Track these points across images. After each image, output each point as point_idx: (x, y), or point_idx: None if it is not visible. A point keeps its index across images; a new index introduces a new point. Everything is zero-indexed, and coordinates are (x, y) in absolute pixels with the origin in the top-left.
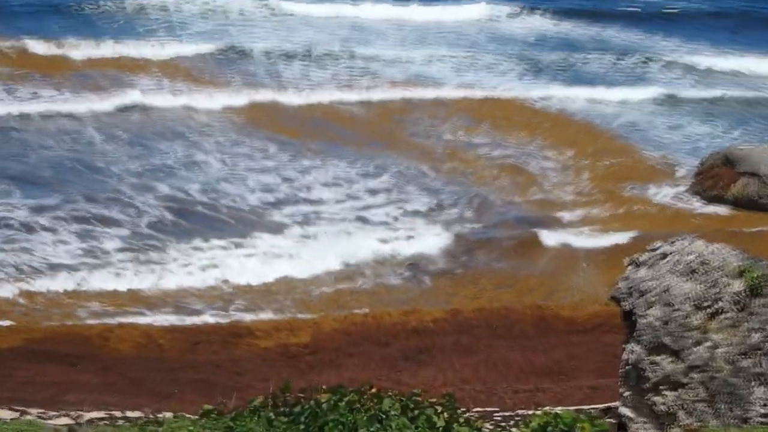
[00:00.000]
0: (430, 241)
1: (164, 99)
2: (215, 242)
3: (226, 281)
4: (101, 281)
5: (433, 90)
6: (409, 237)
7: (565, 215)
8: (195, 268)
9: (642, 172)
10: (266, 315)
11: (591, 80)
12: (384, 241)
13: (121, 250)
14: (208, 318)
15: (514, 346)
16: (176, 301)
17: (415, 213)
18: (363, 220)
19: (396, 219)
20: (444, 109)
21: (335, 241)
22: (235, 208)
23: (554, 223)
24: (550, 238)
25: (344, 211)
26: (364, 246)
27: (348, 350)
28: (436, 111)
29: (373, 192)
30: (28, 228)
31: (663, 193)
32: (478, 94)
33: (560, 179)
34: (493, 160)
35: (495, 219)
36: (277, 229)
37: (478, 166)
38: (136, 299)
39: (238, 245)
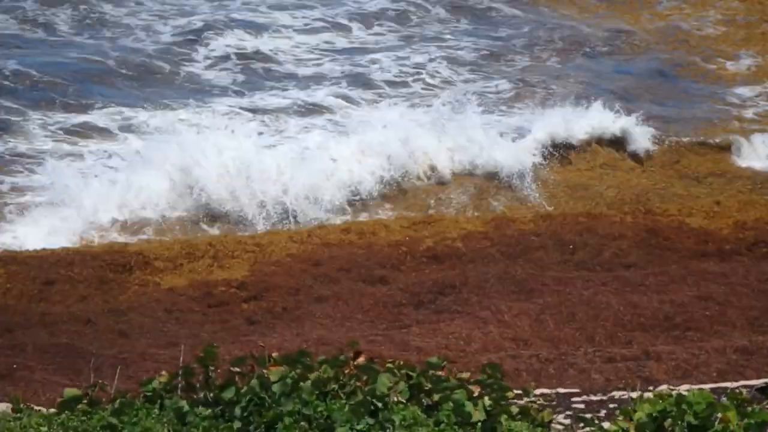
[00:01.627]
0: None
1: None
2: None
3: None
4: None
5: None
6: None
7: None
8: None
9: None
10: (173, 227)
11: None
12: None
13: None
14: (72, 236)
15: (606, 279)
16: (18, 209)
17: None
18: None
19: None
20: None
21: None
22: None
23: None
24: None
25: None
26: None
27: (316, 290)
28: None
29: None
30: None
31: None
32: None
33: None
34: None
35: None
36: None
37: None
38: None
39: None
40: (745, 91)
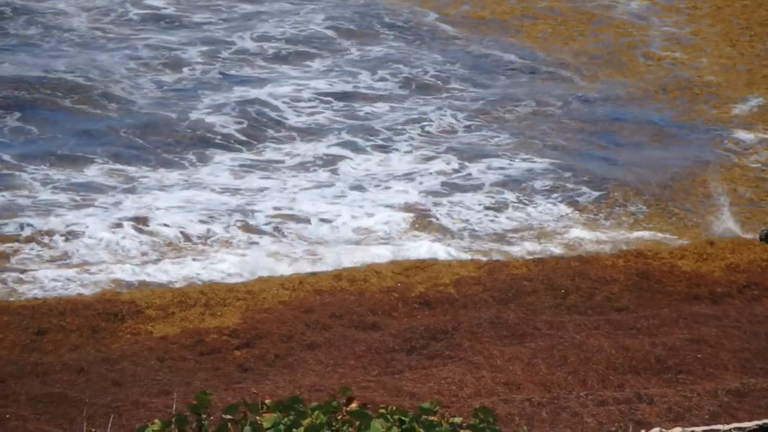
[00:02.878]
0: None
1: None
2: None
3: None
4: None
5: None
6: None
7: None
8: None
9: None
10: (164, 277)
11: None
12: None
13: None
14: (61, 287)
15: (598, 323)
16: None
17: None
18: None
19: None
20: None
21: None
22: None
23: None
24: None
25: None
26: None
27: (308, 337)
28: None
29: None
30: None
31: None
32: None
33: None
34: None
35: None
36: None
37: None
38: None
39: None
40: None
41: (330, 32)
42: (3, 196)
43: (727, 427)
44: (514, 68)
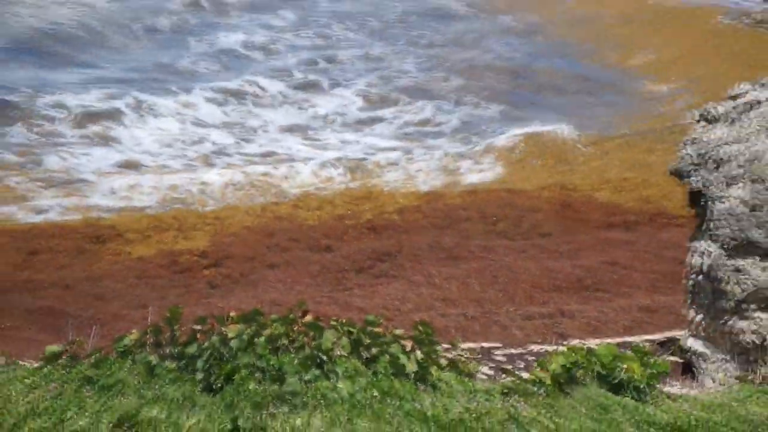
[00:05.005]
0: None
1: None
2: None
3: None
4: None
5: None
6: None
7: None
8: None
9: None
10: (141, 203)
11: None
12: None
13: None
14: (51, 214)
15: (525, 247)
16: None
17: None
18: None
19: None
20: None
21: None
22: None
23: None
24: None
25: None
26: None
27: (269, 258)
28: None
29: None
30: None
31: None
32: None
33: None
34: None
35: None
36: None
37: None
38: None
39: None
40: None
41: None
42: None
43: (638, 339)
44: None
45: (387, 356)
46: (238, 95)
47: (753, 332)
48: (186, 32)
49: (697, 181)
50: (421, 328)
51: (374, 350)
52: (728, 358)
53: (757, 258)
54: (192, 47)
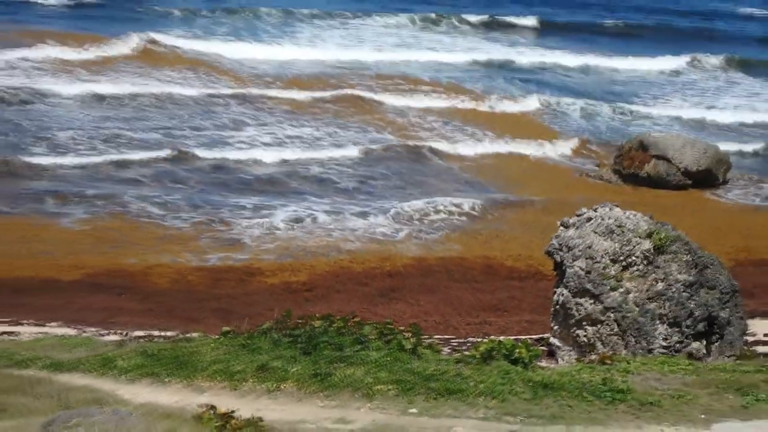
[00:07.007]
0: None
1: None
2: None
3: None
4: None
5: None
6: None
7: None
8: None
9: None
10: (272, 257)
11: None
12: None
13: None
14: (228, 261)
15: (467, 287)
16: (203, 247)
17: None
18: None
19: None
20: None
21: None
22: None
23: None
24: None
25: None
26: None
27: (336, 288)
28: None
29: None
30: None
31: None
32: None
33: None
34: None
35: None
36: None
37: None
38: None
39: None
40: None
41: None
42: None
43: (525, 337)
44: None
45: (396, 340)
46: None
47: (584, 336)
48: None
49: (559, 257)
50: (413, 327)
51: (389, 336)
52: (572, 349)
53: (588, 298)
54: None
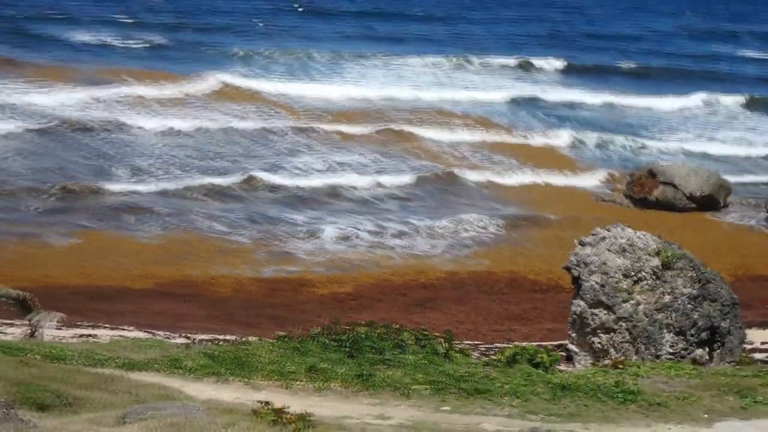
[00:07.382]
0: None
1: None
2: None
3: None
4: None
5: None
6: None
7: None
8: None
9: None
10: (322, 270)
11: None
12: None
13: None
14: (282, 273)
15: (494, 298)
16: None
17: None
18: None
19: None
20: None
21: None
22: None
23: None
24: None
25: None
26: None
27: (378, 298)
28: None
29: None
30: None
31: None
32: None
33: None
34: None
35: None
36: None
37: None
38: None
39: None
40: None
41: None
42: None
43: (546, 343)
44: None
45: (431, 345)
46: None
47: (599, 343)
48: None
49: (576, 272)
50: (446, 333)
51: (424, 342)
52: (588, 355)
53: (602, 309)
54: None
